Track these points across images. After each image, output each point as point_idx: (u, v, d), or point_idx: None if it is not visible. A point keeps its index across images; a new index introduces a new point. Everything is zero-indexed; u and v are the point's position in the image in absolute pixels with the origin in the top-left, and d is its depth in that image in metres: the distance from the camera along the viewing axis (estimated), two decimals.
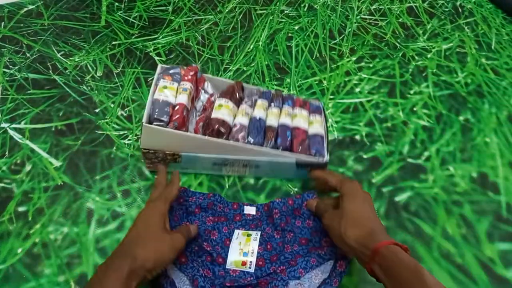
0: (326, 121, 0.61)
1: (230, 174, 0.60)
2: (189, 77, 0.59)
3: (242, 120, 0.56)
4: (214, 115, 0.56)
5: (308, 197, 0.54)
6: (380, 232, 0.43)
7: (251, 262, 0.49)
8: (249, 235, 0.52)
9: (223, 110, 0.56)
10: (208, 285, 0.46)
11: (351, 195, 0.48)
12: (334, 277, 0.48)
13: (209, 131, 0.54)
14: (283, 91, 0.68)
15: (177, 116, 0.54)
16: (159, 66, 0.60)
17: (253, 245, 0.50)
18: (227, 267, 0.49)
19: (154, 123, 0.53)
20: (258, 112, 0.58)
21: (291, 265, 0.48)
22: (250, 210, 0.54)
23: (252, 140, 0.55)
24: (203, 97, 0.62)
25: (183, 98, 0.56)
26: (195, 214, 0.53)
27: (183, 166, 0.58)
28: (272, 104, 0.61)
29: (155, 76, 0.58)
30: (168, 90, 0.56)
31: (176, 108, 0.55)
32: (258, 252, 0.50)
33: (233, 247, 0.50)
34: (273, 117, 0.58)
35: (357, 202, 0.47)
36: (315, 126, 0.59)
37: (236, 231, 0.52)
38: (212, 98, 0.61)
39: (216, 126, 0.54)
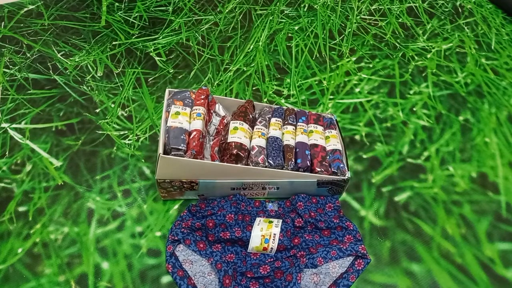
0: (341, 133, 0.60)
1: (249, 198, 0.58)
2: (201, 100, 0.57)
3: (259, 141, 0.55)
4: (231, 139, 0.53)
5: (332, 200, 0.56)
6: None
7: (272, 248, 0.50)
8: (270, 221, 0.52)
9: (239, 133, 0.54)
10: (231, 270, 0.48)
11: None
12: (352, 273, 0.49)
13: (227, 157, 0.52)
14: (294, 108, 0.65)
15: (194, 144, 0.52)
16: (167, 90, 0.58)
17: (275, 231, 0.51)
18: (248, 251, 0.51)
19: (172, 153, 0.51)
20: (274, 132, 0.56)
21: (311, 252, 0.50)
22: (272, 206, 0.56)
23: (272, 163, 0.53)
24: (215, 120, 0.60)
25: (198, 124, 0.54)
26: (217, 214, 0.53)
27: (199, 193, 0.56)
28: (286, 121, 0.59)
29: (165, 102, 0.56)
30: (182, 116, 0.54)
31: (193, 135, 0.53)
32: (279, 239, 0.51)
33: (255, 233, 0.51)
34: (289, 135, 0.57)
35: None
36: (332, 141, 0.58)
37: (258, 219, 0.53)
38: (225, 121, 0.59)
39: (235, 151, 0.52)
